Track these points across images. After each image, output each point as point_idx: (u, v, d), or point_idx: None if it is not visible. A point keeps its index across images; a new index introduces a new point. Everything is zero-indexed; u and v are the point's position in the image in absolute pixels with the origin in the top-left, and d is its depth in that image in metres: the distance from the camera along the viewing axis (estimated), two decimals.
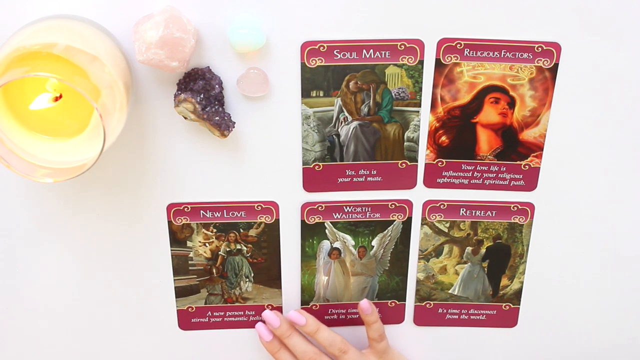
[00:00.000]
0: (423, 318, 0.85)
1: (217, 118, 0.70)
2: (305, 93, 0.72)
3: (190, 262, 0.79)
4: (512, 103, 0.73)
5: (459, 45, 0.71)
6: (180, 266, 0.80)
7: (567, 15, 0.70)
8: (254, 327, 0.83)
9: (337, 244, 0.80)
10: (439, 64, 0.72)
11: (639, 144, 0.75)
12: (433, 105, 0.74)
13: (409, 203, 0.78)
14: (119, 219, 0.77)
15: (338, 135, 0.74)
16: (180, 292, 0.81)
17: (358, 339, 0.85)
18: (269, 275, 0.81)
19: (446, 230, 0.80)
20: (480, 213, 0.79)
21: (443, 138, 0.75)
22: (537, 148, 0.76)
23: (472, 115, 0.74)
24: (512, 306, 0.84)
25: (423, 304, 0.84)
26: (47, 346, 0.84)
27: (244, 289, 0.82)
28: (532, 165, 0.76)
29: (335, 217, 0.78)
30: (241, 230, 0.78)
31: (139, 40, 0.65)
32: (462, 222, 0.80)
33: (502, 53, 0.71)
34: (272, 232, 0.78)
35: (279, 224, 0.78)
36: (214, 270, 0.80)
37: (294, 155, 0.75)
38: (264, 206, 0.77)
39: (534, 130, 0.75)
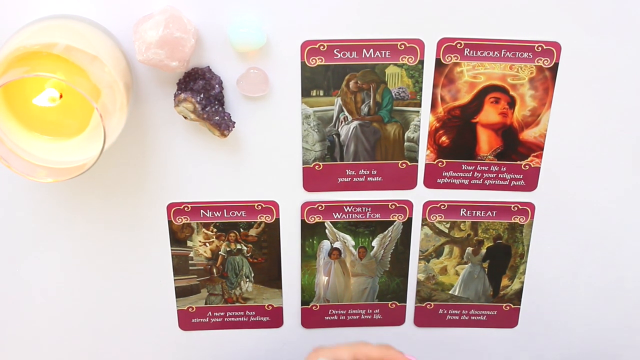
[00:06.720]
0: (424, 319, 0.85)
1: (217, 118, 0.70)
2: (306, 92, 0.72)
3: (190, 262, 0.79)
4: (512, 103, 0.73)
5: (459, 45, 0.71)
6: (180, 266, 0.80)
7: (567, 15, 0.70)
8: (254, 328, 0.83)
9: (337, 244, 0.80)
10: (439, 64, 0.72)
11: (639, 143, 0.75)
12: (433, 105, 0.74)
13: (409, 203, 0.78)
14: (119, 219, 0.77)
15: (338, 135, 0.74)
16: (181, 292, 0.81)
17: (358, 340, 0.85)
18: (269, 275, 0.81)
19: (446, 230, 0.80)
20: (481, 213, 0.79)
21: (443, 138, 0.75)
22: (537, 148, 0.75)
23: (472, 115, 0.74)
24: (512, 306, 0.84)
25: (424, 304, 0.84)
26: (47, 346, 0.84)
27: (244, 289, 0.82)
28: (532, 165, 0.76)
29: (336, 217, 0.78)
30: (241, 230, 0.78)
31: (139, 40, 0.65)
32: (462, 223, 0.80)
33: (502, 53, 0.71)
34: (272, 231, 0.78)
35: (279, 223, 0.78)
36: (214, 270, 0.80)
37: (294, 155, 0.75)
38: (264, 206, 0.77)
39: (534, 130, 0.75)
